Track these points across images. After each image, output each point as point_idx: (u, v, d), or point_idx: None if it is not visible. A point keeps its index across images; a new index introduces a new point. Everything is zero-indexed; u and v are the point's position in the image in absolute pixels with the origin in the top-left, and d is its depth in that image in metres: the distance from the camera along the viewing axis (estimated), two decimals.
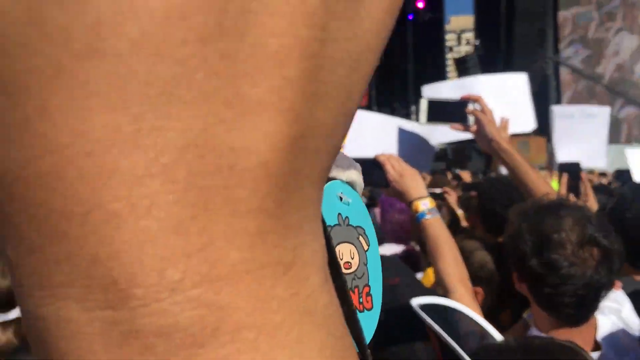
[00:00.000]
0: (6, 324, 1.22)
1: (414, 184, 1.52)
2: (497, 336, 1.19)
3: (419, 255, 2.85)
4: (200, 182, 0.14)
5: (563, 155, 2.90)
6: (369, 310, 0.35)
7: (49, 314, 0.15)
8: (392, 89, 23.39)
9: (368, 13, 0.16)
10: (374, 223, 0.36)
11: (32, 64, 0.13)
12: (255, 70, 0.14)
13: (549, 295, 1.39)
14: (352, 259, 0.34)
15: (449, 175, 5.75)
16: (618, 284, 1.72)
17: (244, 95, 0.14)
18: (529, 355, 0.88)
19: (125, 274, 0.14)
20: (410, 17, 23.37)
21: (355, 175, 0.36)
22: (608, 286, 1.44)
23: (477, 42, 23.58)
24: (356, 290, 0.33)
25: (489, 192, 2.47)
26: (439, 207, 2.79)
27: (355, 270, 0.34)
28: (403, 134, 2.64)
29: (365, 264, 0.35)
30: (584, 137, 2.94)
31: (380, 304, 0.34)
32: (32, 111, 0.13)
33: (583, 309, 1.41)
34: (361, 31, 0.16)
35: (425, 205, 1.48)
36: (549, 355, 0.88)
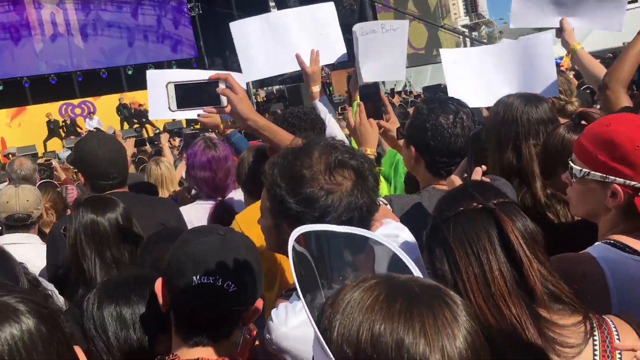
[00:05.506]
0: None
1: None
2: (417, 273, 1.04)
3: (229, 208, 2.87)
4: None
5: (366, 73, 2.90)
6: None
7: None
8: (221, 38, 22.92)
9: None
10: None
11: None
12: None
13: None
14: None
15: None
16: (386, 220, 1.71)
17: None
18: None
19: None
20: None
21: None
22: (372, 206, 1.47)
23: None
24: None
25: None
26: None
27: None
28: None
29: None
30: (385, 51, 2.91)
31: None
32: None
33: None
34: None
35: None
36: None
